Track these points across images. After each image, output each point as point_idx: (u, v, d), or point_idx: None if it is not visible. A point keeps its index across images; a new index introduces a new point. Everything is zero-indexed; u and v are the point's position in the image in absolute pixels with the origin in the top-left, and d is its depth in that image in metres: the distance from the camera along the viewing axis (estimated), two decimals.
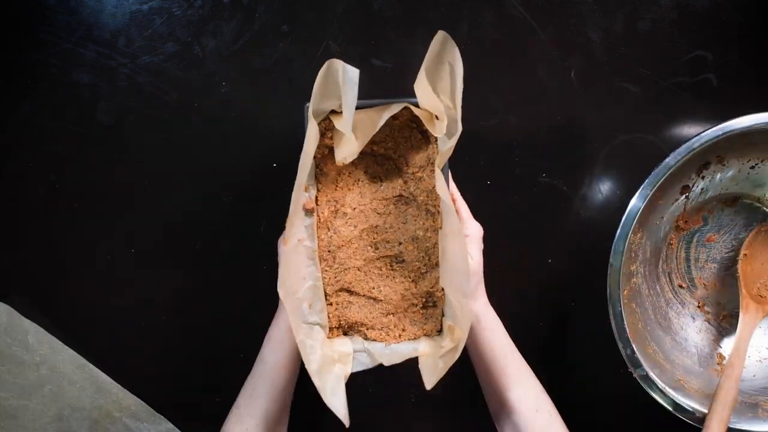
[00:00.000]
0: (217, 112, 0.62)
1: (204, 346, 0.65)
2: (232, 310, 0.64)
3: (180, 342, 0.64)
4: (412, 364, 0.62)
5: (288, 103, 0.61)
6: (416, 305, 0.57)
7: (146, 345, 0.64)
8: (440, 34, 0.48)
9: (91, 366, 0.63)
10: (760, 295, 0.60)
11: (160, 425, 0.64)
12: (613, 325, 0.55)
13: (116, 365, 0.64)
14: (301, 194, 0.50)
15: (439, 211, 0.55)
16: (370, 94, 0.55)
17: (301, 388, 0.65)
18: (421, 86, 0.49)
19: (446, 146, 0.50)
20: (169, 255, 0.63)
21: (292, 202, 0.50)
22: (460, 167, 0.62)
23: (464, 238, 0.51)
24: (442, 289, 0.56)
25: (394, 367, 0.65)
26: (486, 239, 0.63)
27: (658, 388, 0.55)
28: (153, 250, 0.63)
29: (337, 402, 0.52)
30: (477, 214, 0.62)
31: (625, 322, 0.55)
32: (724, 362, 0.60)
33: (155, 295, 0.63)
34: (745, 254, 0.61)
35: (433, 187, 0.55)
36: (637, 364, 0.55)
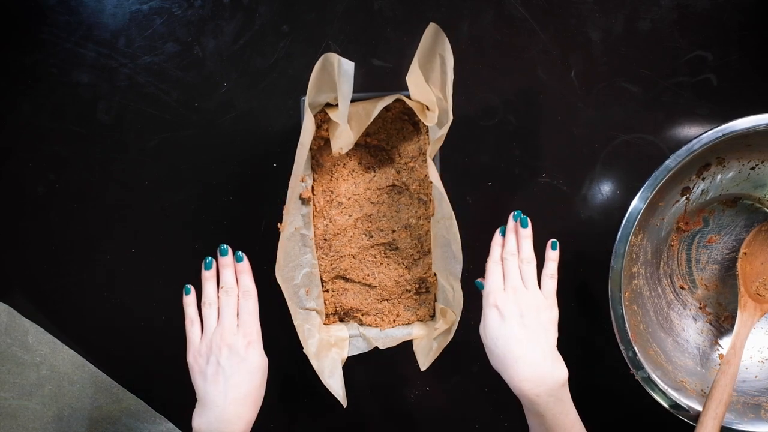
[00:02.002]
0: (217, 112, 0.62)
1: None
2: None
3: (180, 342, 0.64)
4: (412, 364, 0.62)
5: (288, 104, 0.62)
6: (410, 291, 0.59)
7: (146, 345, 0.64)
8: (431, 27, 0.49)
9: (91, 366, 0.63)
10: (759, 294, 0.60)
11: (160, 425, 0.64)
12: (614, 327, 0.55)
13: (116, 365, 0.64)
14: (298, 184, 0.52)
15: (430, 199, 0.57)
16: (370, 92, 0.55)
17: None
18: (414, 78, 0.50)
19: (437, 136, 0.52)
20: (169, 255, 0.63)
21: (289, 192, 0.52)
22: (460, 167, 0.62)
23: (455, 224, 0.52)
24: (435, 275, 0.57)
25: (392, 367, 0.65)
26: (486, 240, 0.63)
27: (659, 389, 0.55)
28: (153, 250, 0.63)
29: (334, 383, 0.54)
30: (477, 214, 0.62)
31: (627, 325, 0.55)
32: None
33: (155, 295, 0.63)
34: (745, 253, 0.61)
35: (425, 176, 0.57)
36: (639, 366, 0.55)
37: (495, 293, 0.51)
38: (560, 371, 0.49)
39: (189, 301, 0.54)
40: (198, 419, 0.49)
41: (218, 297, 0.53)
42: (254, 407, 0.50)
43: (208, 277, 0.54)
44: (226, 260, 0.54)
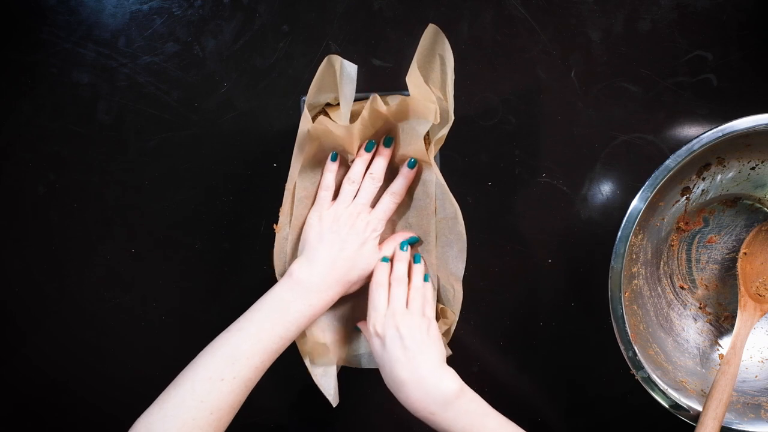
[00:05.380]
0: (217, 112, 0.62)
1: (203, 346, 0.64)
2: (232, 310, 0.64)
3: (179, 342, 0.64)
4: None
5: (288, 103, 0.62)
6: None
7: (146, 345, 0.64)
8: (431, 28, 0.49)
9: None
10: (759, 294, 0.60)
11: None
12: (614, 327, 0.55)
13: (115, 365, 0.64)
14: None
15: (432, 199, 0.57)
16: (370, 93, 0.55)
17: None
18: (414, 78, 0.50)
19: (438, 136, 0.52)
20: (169, 255, 0.63)
21: (285, 193, 0.52)
22: (460, 167, 0.62)
23: (460, 223, 0.53)
24: (437, 276, 0.57)
25: None
26: (486, 240, 0.63)
27: (659, 389, 0.55)
28: (153, 250, 0.63)
29: (326, 382, 0.54)
30: (477, 214, 0.62)
31: (627, 325, 0.55)
32: None
33: (155, 295, 0.63)
34: (745, 253, 0.61)
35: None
36: (639, 367, 0.55)
37: (375, 319, 0.51)
38: (447, 383, 0.48)
39: (331, 168, 0.54)
40: (300, 268, 0.51)
41: (363, 178, 0.54)
42: (344, 285, 0.53)
43: (362, 154, 0.54)
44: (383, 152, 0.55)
